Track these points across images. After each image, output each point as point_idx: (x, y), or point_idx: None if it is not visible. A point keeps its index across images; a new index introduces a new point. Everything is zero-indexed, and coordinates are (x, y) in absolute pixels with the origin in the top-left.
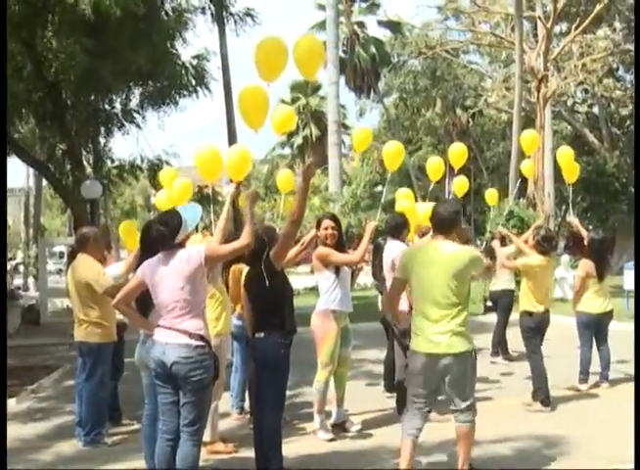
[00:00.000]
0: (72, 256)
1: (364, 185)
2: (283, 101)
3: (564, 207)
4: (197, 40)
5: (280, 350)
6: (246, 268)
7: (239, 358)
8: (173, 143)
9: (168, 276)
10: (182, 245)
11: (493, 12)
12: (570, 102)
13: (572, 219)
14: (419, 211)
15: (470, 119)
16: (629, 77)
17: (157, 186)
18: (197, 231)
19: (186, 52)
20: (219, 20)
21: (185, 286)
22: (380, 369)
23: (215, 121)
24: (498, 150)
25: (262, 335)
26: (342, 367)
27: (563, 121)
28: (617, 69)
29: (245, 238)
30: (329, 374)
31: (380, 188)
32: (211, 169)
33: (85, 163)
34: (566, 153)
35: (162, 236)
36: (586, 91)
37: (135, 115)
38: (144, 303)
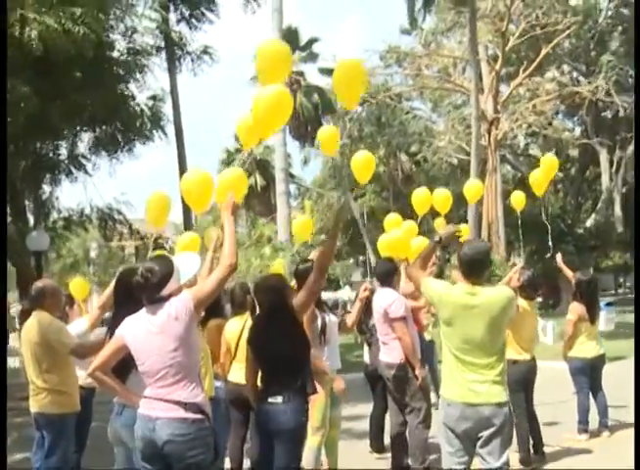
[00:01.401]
0: (26, 314)
1: (314, 233)
2: (227, 150)
3: (512, 251)
4: (154, 80)
5: (301, 417)
6: (227, 323)
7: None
8: (124, 191)
9: (157, 337)
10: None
11: (443, 56)
12: (516, 145)
13: (559, 260)
14: (411, 243)
15: (414, 165)
16: (579, 118)
17: (107, 237)
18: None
19: (142, 94)
20: (171, 59)
21: (179, 347)
22: (360, 426)
23: (168, 165)
24: None
25: (280, 400)
26: (332, 430)
27: (507, 165)
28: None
29: (228, 257)
30: (322, 439)
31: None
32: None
33: (29, 212)
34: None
35: (146, 286)
36: (532, 134)
37: (84, 161)
38: (121, 366)
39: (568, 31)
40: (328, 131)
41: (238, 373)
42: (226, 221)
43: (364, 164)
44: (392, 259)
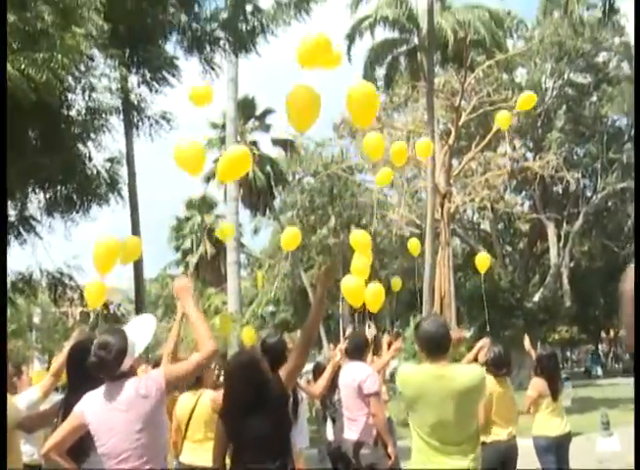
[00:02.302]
0: None
1: (265, 304)
2: (177, 218)
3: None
4: (112, 141)
5: None
6: (181, 397)
7: None
8: (77, 254)
9: (121, 415)
10: (132, 373)
11: (396, 128)
12: (466, 219)
13: (527, 344)
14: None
15: None
16: (529, 193)
17: (56, 303)
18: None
19: (99, 154)
20: (128, 122)
21: (145, 428)
22: None
23: (123, 228)
24: (394, 267)
25: None
26: None
27: (456, 238)
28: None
29: (209, 344)
30: None
31: (272, 307)
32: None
33: None
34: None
35: (103, 365)
36: (482, 208)
37: (34, 223)
38: (78, 446)
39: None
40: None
41: (190, 454)
42: (189, 309)
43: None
44: (364, 335)
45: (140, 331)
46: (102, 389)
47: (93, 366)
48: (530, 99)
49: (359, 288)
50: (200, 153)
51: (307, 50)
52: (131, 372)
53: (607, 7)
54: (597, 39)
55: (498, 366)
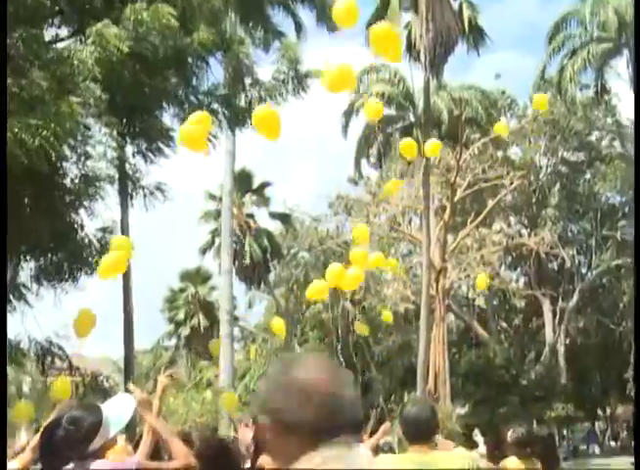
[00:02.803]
0: None
1: (258, 378)
2: (171, 289)
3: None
4: (105, 209)
5: None
6: None
7: None
8: (67, 323)
9: None
10: (102, 454)
11: (392, 205)
12: (461, 295)
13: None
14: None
15: (358, 313)
16: (524, 269)
17: (45, 372)
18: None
19: (91, 222)
20: (123, 192)
21: None
22: None
23: (113, 297)
24: (388, 343)
25: None
26: None
27: (450, 314)
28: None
29: (184, 458)
30: None
31: None
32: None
33: None
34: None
35: (70, 441)
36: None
37: (24, 290)
38: None
39: (513, 186)
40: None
41: None
42: (154, 425)
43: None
44: None
45: (118, 410)
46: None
47: (60, 442)
48: (543, 99)
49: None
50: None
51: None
52: (102, 452)
53: (599, 87)
54: (590, 118)
55: (523, 446)
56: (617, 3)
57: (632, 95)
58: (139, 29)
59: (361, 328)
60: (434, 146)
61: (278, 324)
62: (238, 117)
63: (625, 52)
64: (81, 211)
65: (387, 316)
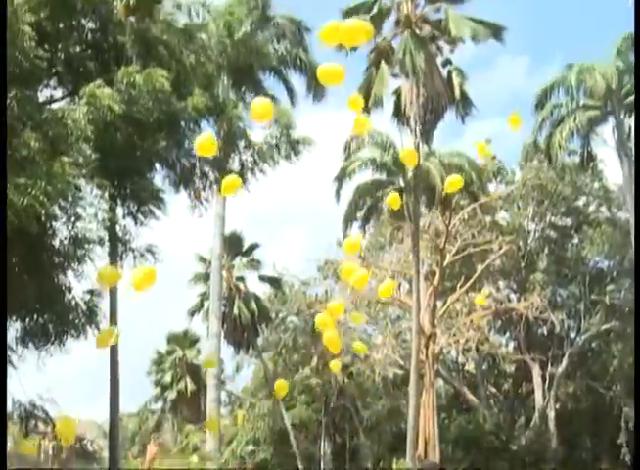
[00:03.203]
0: None
1: (245, 443)
2: (158, 352)
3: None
4: (94, 272)
5: None
6: None
7: None
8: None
9: None
10: None
11: (381, 268)
12: (450, 359)
13: None
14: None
15: (346, 378)
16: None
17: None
18: None
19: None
20: (113, 254)
21: None
22: None
23: (100, 361)
24: (377, 408)
25: None
26: None
27: (440, 379)
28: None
29: None
30: None
31: (252, 447)
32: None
33: None
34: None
35: None
36: (467, 349)
37: (9, 352)
38: None
39: (502, 251)
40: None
41: None
42: None
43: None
44: None
45: None
46: None
47: None
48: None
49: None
50: None
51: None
52: None
53: (585, 154)
54: (577, 184)
55: None
56: (604, 70)
57: (618, 161)
58: (132, 92)
59: (360, 348)
60: (455, 181)
61: (281, 384)
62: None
63: (611, 119)
64: (69, 272)
65: (335, 366)
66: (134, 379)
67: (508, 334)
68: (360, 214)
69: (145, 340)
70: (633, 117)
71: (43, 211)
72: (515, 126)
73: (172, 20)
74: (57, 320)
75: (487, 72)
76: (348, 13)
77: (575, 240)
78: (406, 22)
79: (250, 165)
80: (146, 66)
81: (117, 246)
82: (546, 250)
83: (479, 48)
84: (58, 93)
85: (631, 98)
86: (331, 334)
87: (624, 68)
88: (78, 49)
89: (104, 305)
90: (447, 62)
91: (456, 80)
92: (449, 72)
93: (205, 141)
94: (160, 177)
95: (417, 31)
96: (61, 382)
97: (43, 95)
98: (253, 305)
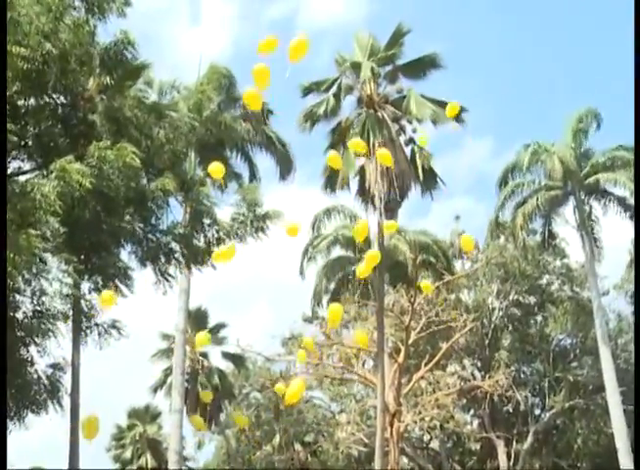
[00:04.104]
0: None
1: None
2: (119, 427)
3: None
4: (57, 347)
5: None
6: None
7: None
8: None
9: None
10: None
11: (347, 347)
12: (415, 437)
13: None
14: None
15: (310, 455)
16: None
17: None
18: None
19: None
20: (77, 329)
21: None
22: None
23: (60, 437)
24: None
25: None
26: None
27: (404, 457)
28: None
29: None
30: None
31: None
32: None
33: None
34: None
35: None
36: (432, 427)
37: None
38: None
39: (466, 329)
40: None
41: None
42: None
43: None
44: None
45: None
46: None
47: None
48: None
49: None
50: None
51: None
52: None
53: (547, 233)
54: (540, 262)
55: None
56: (562, 154)
57: (579, 240)
58: (102, 167)
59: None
60: (466, 241)
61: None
62: (196, 257)
63: (572, 199)
64: (32, 347)
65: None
66: (93, 456)
67: (472, 411)
68: (329, 291)
69: (106, 414)
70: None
71: (10, 283)
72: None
73: (143, 97)
74: (17, 395)
75: (454, 152)
76: (308, 88)
77: (539, 318)
78: (368, 102)
79: (215, 242)
80: (116, 142)
81: (82, 321)
82: (510, 327)
83: (444, 127)
84: (26, 166)
85: (590, 180)
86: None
87: (582, 149)
88: (49, 124)
89: (64, 379)
90: (411, 141)
91: (419, 159)
92: (413, 151)
93: (252, 93)
94: (126, 253)
95: (379, 111)
96: (19, 457)
97: (11, 166)
98: (217, 381)
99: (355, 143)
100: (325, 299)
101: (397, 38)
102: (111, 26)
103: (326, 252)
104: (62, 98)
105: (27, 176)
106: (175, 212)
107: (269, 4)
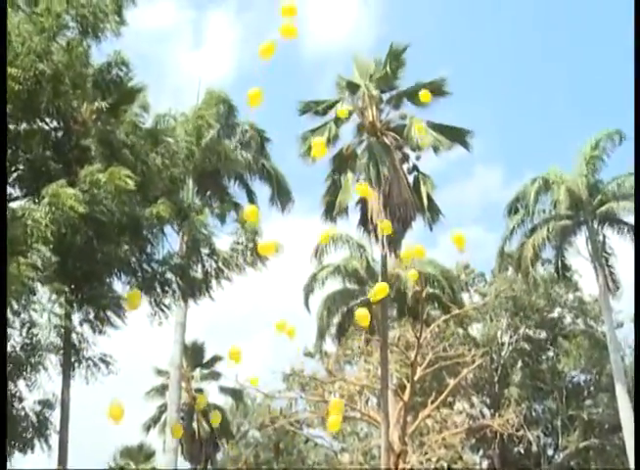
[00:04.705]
0: None
1: None
2: (110, 467)
3: None
4: (48, 380)
5: None
6: None
7: None
8: None
9: None
10: None
11: (350, 383)
12: None
13: None
14: None
15: None
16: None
17: None
18: None
19: (30, 394)
20: (66, 363)
21: None
22: None
23: None
24: None
25: None
26: None
27: None
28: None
29: None
30: None
31: None
32: None
33: None
34: None
35: None
36: (440, 468)
37: None
38: None
39: (475, 365)
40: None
41: None
42: None
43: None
44: None
45: None
46: None
47: None
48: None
49: None
50: None
51: None
52: None
53: (559, 264)
54: (551, 295)
55: None
56: (573, 182)
57: (593, 272)
58: (95, 192)
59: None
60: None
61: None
62: (192, 288)
63: (584, 229)
64: (20, 381)
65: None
66: None
67: (482, 452)
68: (332, 326)
69: (96, 454)
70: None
71: None
72: (460, 245)
73: (138, 121)
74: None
75: (464, 180)
76: (307, 106)
77: (551, 353)
78: (370, 128)
79: (214, 273)
80: (109, 165)
81: (71, 354)
82: (520, 363)
83: (454, 154)
84: (17, 192)
85: (603, 208)
86: None
87: (595, 176)
88: (41, 148)
89: (52, 416)
90: (414, 169)
91: (423, 188)
92: (416, 180)
93: (255, 93)
94: (119, 283)
95: (381, 138)
96: None
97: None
98: (212, 421)
99: (361, 189)
100: (328, 333)
101: (397, 60)
102: (106, 46)
103: (328, 283)
104: (54, 122)
105: (19, 203)
106: (172, 241)
107: (273, 27)
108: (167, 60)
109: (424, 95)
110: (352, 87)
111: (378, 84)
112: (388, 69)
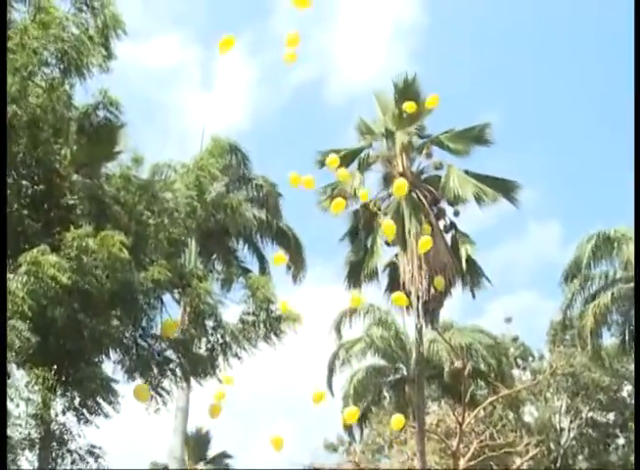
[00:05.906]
0: None
1: None
2: None
3: None
4: None
5: None
6: None
7: None
8: None
9: None
10: None
11: None
12: None
13: None
14: None
15: None
16: None
17: None
18: None
19: None
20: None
21: None
22: None
23: None
24: None
25: None
26: None
27: None
28: None
29: None
30: None
31: None
32: None
33: None
34: None
35: None
36: None
37: None
38: None
39: (530, 455)
40: None
41: None
42: None
43: None
44: None
45: None
46: None
47: None
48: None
49: None
50: None
51: None
52: None
53: (627, 334)
54: (618, 371)
55: None
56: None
57: None
58: (83, 259)
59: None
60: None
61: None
62: (196, 368)
63: None
64: None
65: None
66: None
67: None
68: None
69: None
70: None
71: None
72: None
73: (131, 175)
74: None
75: (516, 239)
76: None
77: (621, 440)
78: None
79: (220, 349)
80: (99, 228)
81: (52, 447)
82: (585, 452)
83: (505, 211)
84: None
85: None
86: None
87: None
88: (17, 206)
89: None
90: (452, 226)
91: (463, 248)
92: (455, 239)
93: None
94: (110, 363)
95: (414, 191)
96: None
97: None
98: None
99: (387, 226)
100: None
101: (428, 103)
102: (94, 84)
103: (355, 361)
104: (33, 175)
105: None
106: (172, 313)
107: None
108: (173, 103)
109: (409, 106)
110: (378, 133)
111: (407, 130)
112: (418, 117)
